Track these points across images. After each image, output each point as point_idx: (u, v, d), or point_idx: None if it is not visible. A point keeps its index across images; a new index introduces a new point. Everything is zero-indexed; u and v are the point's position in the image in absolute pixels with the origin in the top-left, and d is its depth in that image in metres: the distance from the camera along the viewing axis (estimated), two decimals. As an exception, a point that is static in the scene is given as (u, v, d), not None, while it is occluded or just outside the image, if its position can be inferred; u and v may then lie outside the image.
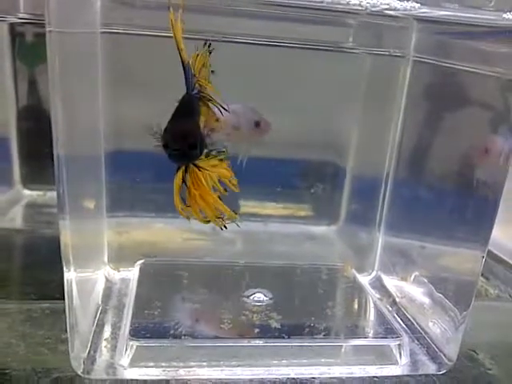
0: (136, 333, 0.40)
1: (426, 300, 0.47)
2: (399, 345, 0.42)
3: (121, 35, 0.48)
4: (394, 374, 0.41)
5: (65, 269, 0.35)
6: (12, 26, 0.64)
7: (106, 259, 0.51)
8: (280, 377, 0.39)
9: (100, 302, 0.46)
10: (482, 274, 0.61)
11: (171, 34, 0.49)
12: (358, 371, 0.41)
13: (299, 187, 0.57)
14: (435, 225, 0.48)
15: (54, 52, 0.31)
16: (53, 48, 0.31)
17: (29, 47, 0.66)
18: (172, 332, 0.40)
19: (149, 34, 0.49)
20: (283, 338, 0.41)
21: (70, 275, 0.36)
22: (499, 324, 0.52)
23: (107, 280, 0.50)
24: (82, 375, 0.37)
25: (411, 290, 0.50)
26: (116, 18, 0.47)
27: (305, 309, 0.46)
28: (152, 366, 0.39)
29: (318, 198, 0.58)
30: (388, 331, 0.44)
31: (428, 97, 0.52)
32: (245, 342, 0.41)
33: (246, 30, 0.50)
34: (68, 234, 0.35)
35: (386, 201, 0.55)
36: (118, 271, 0.51)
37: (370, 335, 0.44)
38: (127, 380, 0.38)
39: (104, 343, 0.41)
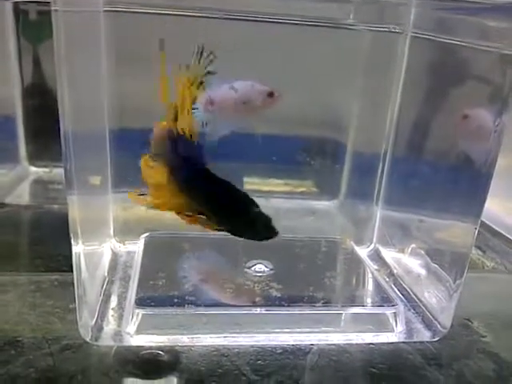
0: (141, 302, 0.41)
1: (422, 271, 0.49)
2: (395, 313, 0.44)
3: (123, 13, 0.49)
4: (390, 341, 0.43)
5: (73, 242, 0.37)
6: (16, 4, 0.65)
7: (112, 233, 0.53)
8: (280, 343, 0.41)
9: (106, 274, 0.47)
10: (479, 248, 0.63)
11: (174, 12, 0.50)
12: (355, 338, 0.42)
13: (301, 163, 0.58)
14: (431, 199, 0.49)
15: (59, 30, 0.32)
16: (58, 26, 0.32)
17: (33, 25, 0.67)
18: (176, 301, 0.42)
19: (151, 12, 0.50)
20: (283, 306, 0.43)
21: (78, 248, 0.37)
22: (494, 294, 0.54)
23: (113, 253, 0.52)
24: (90, 342, 0.39)
25: (408, 261, 0.51)
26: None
27: (304, 279, 0.47)
28: (157, 334, 0.40)
29: (319, 174, 0.59)
30: (384, 300, 0.45)
31: (426, 73, 0.53)
32: (246, 310, 0.42)
33: (246, 6, 0.50)
34: (76, 209, 0.36)
35: (385, 176, 0.56)
36: (124, 244, 0.53)
37: (367, 304, 0.45)
38: (134, 346, 0.39)
39: (111, 312, 0.42)
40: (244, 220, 0.43)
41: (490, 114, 0.40)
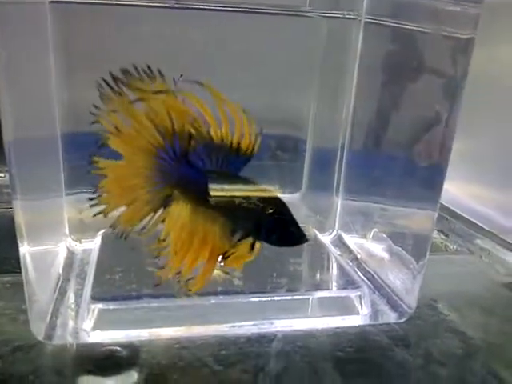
0: (97, 297, 0.40)
1: (385, 254, 0.48)
2: (360, 295, 0.43)
3: (74, 4, 0.47)
4: (356, 324, 0.42)
5: (19, 244, 0.35)
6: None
7: (67, 232, 0.51)
8: (243, 332, 0.40)
9: (60, 272, 0.45)
10: (442, 232, 0.63)
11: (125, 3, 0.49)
12: (320, 323, 0.41)
13: (263, 159, 0.57)
14: (390, 187, 0.49)
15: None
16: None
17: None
18: (134, 294, 0.40)
19: (101, 3, 0.48)
20: (245, 294, 0.41)
21: (24, 249, 0.36)
22: (457, 275, 0.54)
23: (69, 251, 0.50)
24: (43, 341, 0.37)
25: (371, 245, 0.51)
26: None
27: (267, 266, 0.46)
28: (115, 329, 0.38)
29: (280, 169, 0.59)
30: (348, 283, 0.44)
31: (380, 63, 0.52)
32: (207, 300, 0.41)
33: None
34: (20, 213, 0.35)
35: (344, 167, 0.56)
36: (80, 242, 0.51)
37: (331, 287, 0.44)
38: (90, 343, 0.38)
39: (66, 310, 0.41)
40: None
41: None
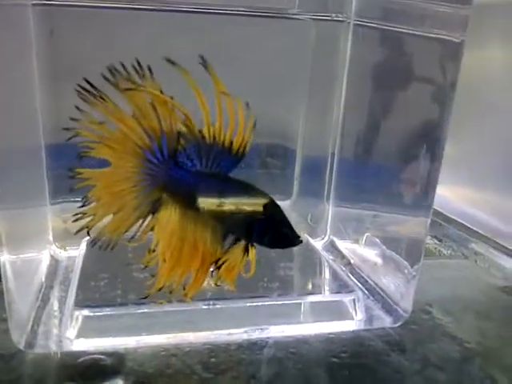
0: (81, 303, 0.38)
1: (379, 259, 0.47)
2: (353, 300, 0.42)
3: (56, 7, 0.46)
4: (350, 329, 0.41)
5: None
6: None
7: (51, 239, 0.49)
8: (234, 339, 0.38)
9: (43, 280, 0.44)
10: (435, 237, 0.62)
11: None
12: (313, 328, 0.40)
13: (254, 168, 0.57)
14: (381, 194, 0.49)
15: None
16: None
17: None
18: (119, 300, 0.39)
19: (88, 5, 0.47)
20: (236, 299, 0.40)
21: (4, 258, 0.34)
22: (452, 279, 0.53)
23: (53, 259, 0.48)
24: (24, 350, 0.35)
25: (364, 251, 0.50)
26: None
27: (257, 271, 0.44)
28: (99, 336, 0.37)
29: (272, 178, 0.58)
30: (342, 287, 0.43)
31: (369, 66, 0.51)
32: (197, 306, 0.39)
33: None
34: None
35: (334, 175, 0.56)
36: (65, 250, 0.49)
37: (324, 292, 0.43)
38: (74, 351, 0.36)
39: (48, 317, 0.39)
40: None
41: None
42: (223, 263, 0.38)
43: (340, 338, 0.40)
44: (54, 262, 0.48)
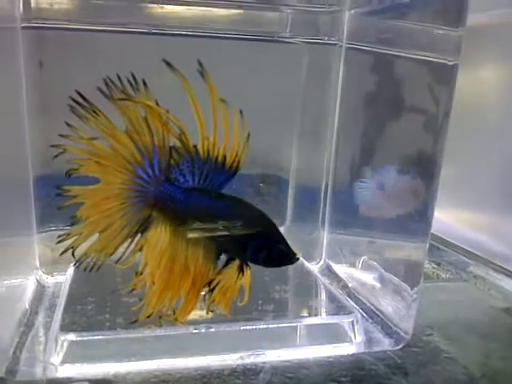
0: (67, 328, 0.36)
1: (377, 282, 0.46)
2: (352, 322, 0.40)
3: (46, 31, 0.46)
4: (349, 353, 0.39)
5: None
6: None
7: (38, 265, 0.48)
8: (228, 364, 0.36)
9: (28, 306, 0.42)
10: (433, 261, 0.60)
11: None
12: (311, 352, 0.38)
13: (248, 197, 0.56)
14: (377, 221, 0.48)
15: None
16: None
17: None
18: (107, 324, 0.37)
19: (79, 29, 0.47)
20: (230, 323, 0.38)
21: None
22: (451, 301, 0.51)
23: (40, 285, 0.47)
24: (5, 377, 0.33)
25: (361, 274, 0.48)
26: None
27: (252, 293, 0.43)
28: (86, 362, 0.35)
29: (266, 205, 0.57)
30: (339, 309, 0.41)
31: (362, 90, 0.51)
32: (189, 330, 0.37)
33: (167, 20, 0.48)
34: None
35: (328, 202, 0.55)
36: (52, 275, 0.48)
37: (322, 314, 0.41)
38: (59, 378, 0.34)
39: (32, 343, 0.37)
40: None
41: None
42: (217, 285, 0.36)
43: (339, 362, 0.38)
44: (41, 288, 0.46)
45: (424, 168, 0.40)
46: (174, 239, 0.37)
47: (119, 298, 0.41)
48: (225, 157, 0.34)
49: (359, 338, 0.40)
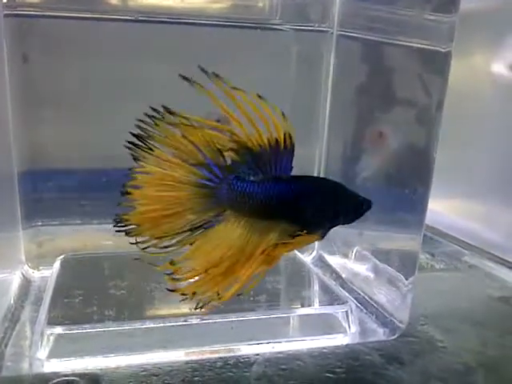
0: (54, 321, 0.35)
1: (371, 272, 0.45)
2: (346, 312, 0.39)
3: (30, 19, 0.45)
4: (344, 343, 0.38)
5: None
6: None
7: (23, 260, 0.47)
8: (220, 356, 0.36)
9: (12, 301, 0.41)
10: (427, 251, 0.60)
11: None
12: (305, 343, 0.37)
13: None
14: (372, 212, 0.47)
15: None
16: None
17: None
18: (95, 317, 0.36)
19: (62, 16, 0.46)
20: (222, 314, 0.37)
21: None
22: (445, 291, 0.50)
23: (25, 279, 0.45)
24: (-11, 373, 0.32)
25: (354, 265, 0.47)
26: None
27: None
28: (74, 356, 0.34)
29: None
30: (333, 300, 0.41)
31: (352, 79, 0.50)
32: (179, 322, 0.36)
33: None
34: None
35: None
36: (38, 270, 0.47)
37: (315, 305, 0.41)
38: (46, 373, 0.33)
39: (18, 338, 0.36)
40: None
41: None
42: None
43: (334, 352, 0.37)
44: (27, 283, 0.45)
45: (418, 158, 0.39)
46: (246, 231, 0.34)
47: (107, 291, 0.40)
48: (276, 139, 0.33)
49: (353, 328, 0.39)
